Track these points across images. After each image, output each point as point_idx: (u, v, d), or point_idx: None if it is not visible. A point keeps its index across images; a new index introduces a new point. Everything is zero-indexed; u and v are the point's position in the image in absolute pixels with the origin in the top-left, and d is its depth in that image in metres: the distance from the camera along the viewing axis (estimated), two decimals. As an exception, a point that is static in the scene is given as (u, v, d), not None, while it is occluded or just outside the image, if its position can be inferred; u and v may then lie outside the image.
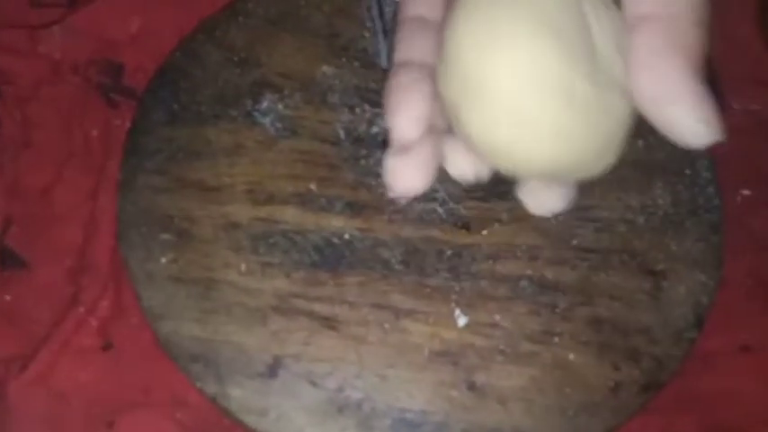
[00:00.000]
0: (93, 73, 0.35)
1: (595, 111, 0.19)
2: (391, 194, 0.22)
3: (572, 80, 0.19)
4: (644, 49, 0.18)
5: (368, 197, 0.31)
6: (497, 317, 0.29)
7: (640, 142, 0.33)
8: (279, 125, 0.33)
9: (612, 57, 0.20)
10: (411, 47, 0.23)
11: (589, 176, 0.21)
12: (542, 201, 0.24)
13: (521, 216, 0.31)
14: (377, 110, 0.33)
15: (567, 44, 0.19)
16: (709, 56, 0.19)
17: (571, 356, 0.29)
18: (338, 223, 0.31)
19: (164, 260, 0.29)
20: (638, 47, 0.18)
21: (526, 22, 0.19)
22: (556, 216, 0.31)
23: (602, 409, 0.28)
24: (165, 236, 0.30)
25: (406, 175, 0.22)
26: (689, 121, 0.18)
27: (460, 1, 0.21)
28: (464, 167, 0.23)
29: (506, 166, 0.21)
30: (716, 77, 0.18)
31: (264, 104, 0.33)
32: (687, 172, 0.33)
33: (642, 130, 0.34)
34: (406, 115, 0.22)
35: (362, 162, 0.32)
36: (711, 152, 0.34)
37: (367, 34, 0.34)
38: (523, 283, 0.30)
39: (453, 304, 0.29)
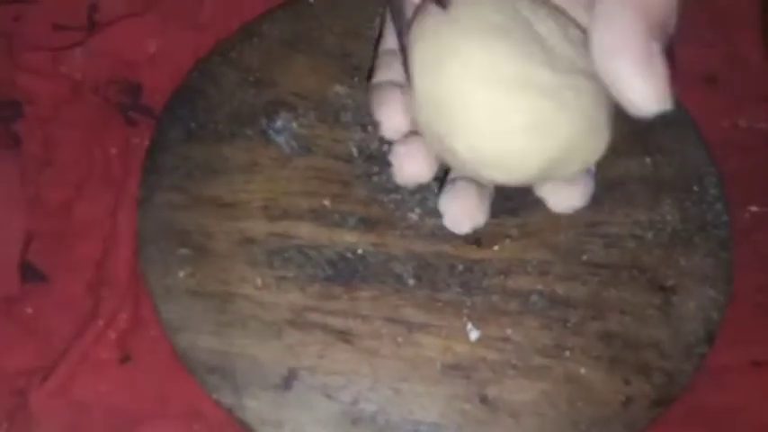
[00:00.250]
0: (113, 93, 0.36)
1: (566, 95, 0.19)
2: (400, 181, 0.24)
3: (530, 70, 0.19)
4: (603, 5, 0.19)
5: (380, 213, 0.32)
6: (509, 331, 0.30)
7: (648, 159, 0.34)
8: (293, 143, 0.33)
9: (563, 45, 0.20)
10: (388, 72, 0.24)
11: (589, 164, 0.21)
12: (563, 197, 0.24)
13: (531, 232, 0.32)
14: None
15: (513, 41, 0.20)
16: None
17: (582, 371, 0.29)
18: (351, 238, 0.31)
19: (182, 274, 0.30)
20: (599, 3, 0.19)
21: (467, 32, 0.20)
22: (565, 232, 0.32)
23: (614, 423, 0.28)
24: (183, 251, 0.31)
25: (412, 161, 0.23)
26: (634, 77, 0.18)
27: (413, 38, 0.21)
28: (459, 218, 0.24)
29: (509, 177, 0.21)
30: (672, 47, 0.19)
31: (279, 123, 0.34)
32: (695, 188, 0.33)
33: (650, 148, 0.35)
34: (392, 108, 0.23)
35: (375, 179, 0.33)
36: (719, 169, 0.34)
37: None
38: (534, 297, 0.30)
39: (465, 318, 0.30)
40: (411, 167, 0.23)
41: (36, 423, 0.28)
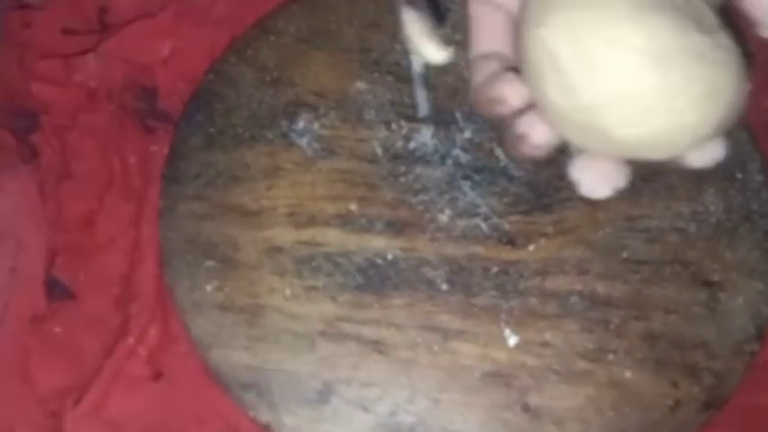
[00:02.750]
0: (129, 99, 0.35)
1: (720, 55, 0.19)
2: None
3: (687, 38, 0.19)
4: None
5: (409, 215, 0.31)
6: (548, 335, 0.29)
7: (688, 146, 0.32)
8: (316, 145, 0.32)
9: (698, 2, 0.19)
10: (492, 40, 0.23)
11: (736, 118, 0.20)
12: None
13: (567, 229, 0.31)
14: (413, 125, 0.33)
15: (662, 11, 0.19)
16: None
17: (627, 374, 0.28)
18: (380, 243, 0.30)
19: (209, 288, 0.29)
20: None
21: (615, 14, 0.19)
22: (603, 227, 0.31)
23: (663, 428, 0.27)
24: (210, 263, 0.30)
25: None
26: None
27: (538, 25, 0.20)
28: (598, 182, 0.23)
29: (675, 152, 0.20)
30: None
31: (300, 125, 0.33)
32: (738, 176, 0.32)
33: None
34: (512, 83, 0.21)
35: (401, 179, 0.32)
36: (763, 154, 0.32)
37: (398, 47, 0.34)
38: (574, 299, 0.29)
39: (502, 323, 0.29)
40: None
41: (72, 445, 0.28)
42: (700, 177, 0.32)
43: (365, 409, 0.27)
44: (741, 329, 0.29)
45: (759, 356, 0.29)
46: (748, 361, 0.29)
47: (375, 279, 0.30)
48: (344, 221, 0.31)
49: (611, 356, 0.28)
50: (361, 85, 0.33)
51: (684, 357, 0.28)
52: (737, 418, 0.29)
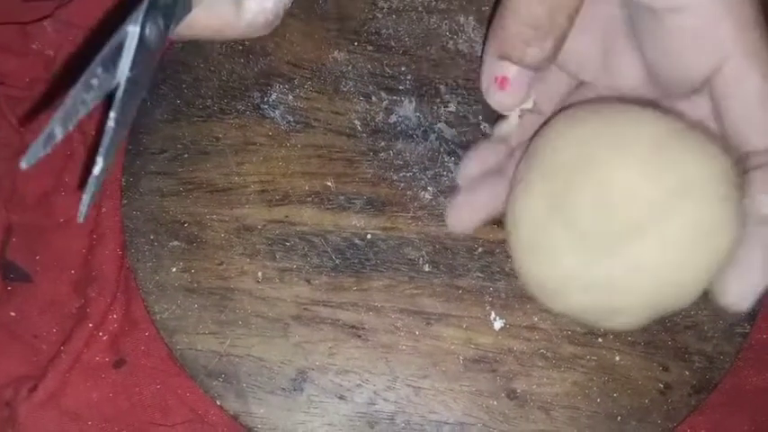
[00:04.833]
0: (89, 69, 0.33)
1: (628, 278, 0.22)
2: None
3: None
4: None
5: (390, 193, 0.29)
6: (536, 318, 0.27)
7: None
8: (290, 118, 0.30)
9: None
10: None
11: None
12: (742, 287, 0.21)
13: (555, 207, 0.29)
14: (394, 97, 0.31)
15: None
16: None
17: (617, 358, 0.27)
18: (359, 222, 0.29)
19: (174, 269, 0.28)
20: None
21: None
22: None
23: (652, 413, 0.26)
24: (175, 243, 0.28)
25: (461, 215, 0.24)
26: None
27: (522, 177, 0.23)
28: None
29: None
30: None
31: (274, 96, 0.31)
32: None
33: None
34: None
35: (382, 155, 0.30)
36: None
37: (379, 15, 0.32)
38: (562, 280, 0.28)
39: (488, 306, 0.27)
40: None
41: (26, 438, 0.26)
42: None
43: (342, 398, 0.26)
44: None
45: (750, 338, 0.28)
46: (740, 343, 0.28)
47: (353, 260, 0.28)
48: (320, 199, 0.29)
49: (600, 340, 0.27)
50: (338, 54, 0.31)
51: (675, 340, 0.27)
52: (728, 401, 0.28)
